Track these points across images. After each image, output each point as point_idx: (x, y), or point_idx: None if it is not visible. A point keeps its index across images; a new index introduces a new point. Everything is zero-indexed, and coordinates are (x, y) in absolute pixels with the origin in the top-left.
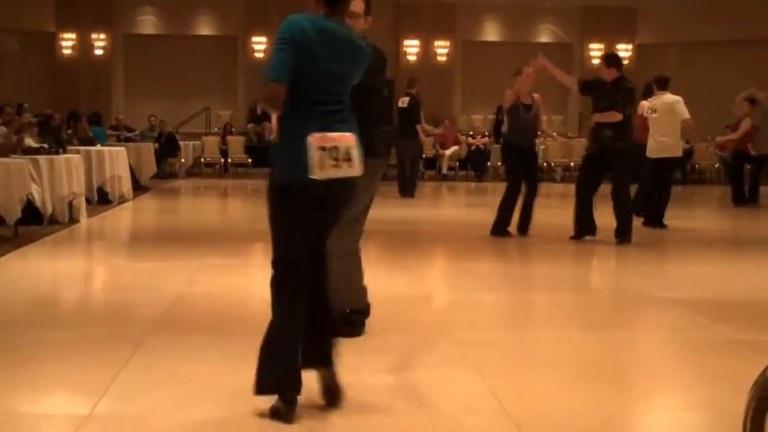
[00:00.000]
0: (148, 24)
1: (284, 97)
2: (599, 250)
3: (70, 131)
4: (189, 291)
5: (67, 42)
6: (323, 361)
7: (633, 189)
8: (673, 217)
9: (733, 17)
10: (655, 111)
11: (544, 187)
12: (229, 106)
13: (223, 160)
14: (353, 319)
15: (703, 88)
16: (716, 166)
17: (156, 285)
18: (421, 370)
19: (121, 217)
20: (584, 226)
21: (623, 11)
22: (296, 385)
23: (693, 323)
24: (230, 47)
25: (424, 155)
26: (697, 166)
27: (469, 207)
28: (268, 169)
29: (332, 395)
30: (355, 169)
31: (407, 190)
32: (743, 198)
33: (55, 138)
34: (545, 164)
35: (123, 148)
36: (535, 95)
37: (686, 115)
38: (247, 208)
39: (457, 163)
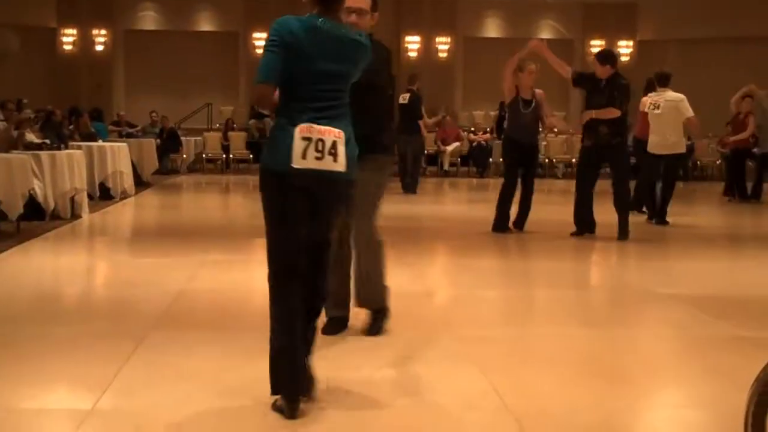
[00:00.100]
0: (148, 20)
1: (275, 96)
2: (600, 246)
3: (71, 127)
4: (191, 287)
5: (68, 38)
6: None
7: (632, 185)
8: (674, 213)
9: (733, 14)
10: (657, 107)
11: (545, 184)
12: (230, 102)
13: (224, 155)
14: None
15: (704, 84)
16: (718, 162)
17: (158, 281)
18: (423, 366)
19: (123, 213)
20: (584, 224)
21: (624, 7)
22: (299, 386)
23: (694, 320)
24: (231, 43)
25: (425, 151)
26: (698, 162)
27: (471, 203)
28: None
29: (308, 384)
30: (339, 164)
31: (409, 186)
32: (745, 194)
33: (57, 134)
34: (547, 160)
35: (125, 144)
36: (537, 91)
37: (690, 113)
38: (248, 203)
39: (459, 160)
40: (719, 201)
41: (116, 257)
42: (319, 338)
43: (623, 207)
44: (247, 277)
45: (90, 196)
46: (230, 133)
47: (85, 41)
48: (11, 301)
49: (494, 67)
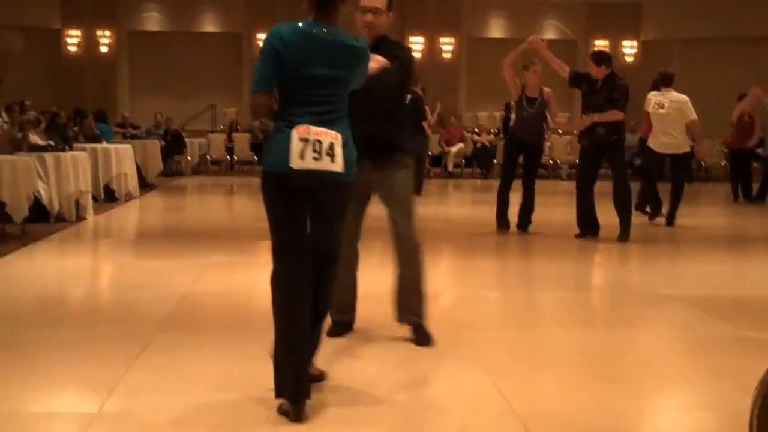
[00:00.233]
0: (152, 21)
1: (271, 103)
2: (604, 247)
3: (76, 128)
4: (196, 289)
5: (72, 39)
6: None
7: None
8: (678, 214)
9: (738, 14)
10: (662, 107)
11: (549, 185)
12: (234, 103)
13: (229, 157)
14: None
15: (709, 84)
16: (723, 163)
17: (163, 283)
18: (427, 367)
19: (128, 215)
20: (587, 226)
21: (628, 7)
22: (303, 389)
23: (698, 321)
24: (235, 44)
25: (429, 152)
26: (703, 163)
27: (475, 204)
28: None
29: (311, 385)
30: (336, 165)
31: (413, 187)
32: (750, 195)
33: (62, 135)
34: (551, 161)
35: (129, 146)
36: (546, 89)
37: (694, 116)
38: (253, 205)
39: (463, 161)
40: (724, 202)
41: (121, 259)
42: (324, 340)
43: (624, 207)
44: (251, 279)
45: (95, 198)
46: (234, 135)
47: (89, 42)
48: (16, 303)
49: (498, 67)
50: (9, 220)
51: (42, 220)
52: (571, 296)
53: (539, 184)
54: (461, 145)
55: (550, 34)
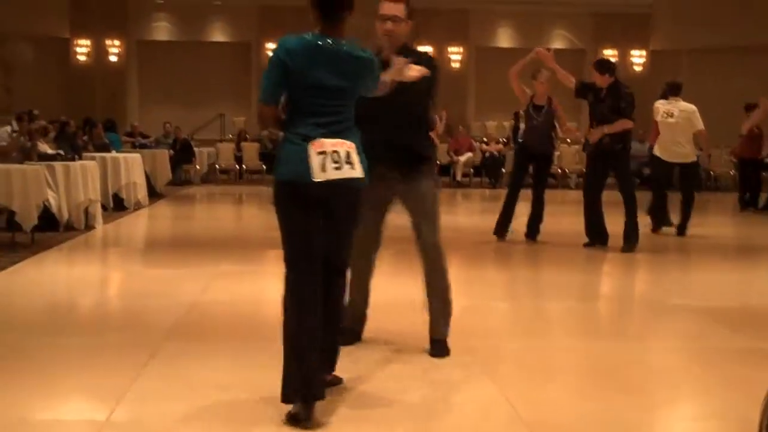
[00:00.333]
0: (162, 30)
1: (277, 113)
2: (613, 257)
3: (85, 138)
4: (204, 298)
5: (82, 48)
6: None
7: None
8: (689, 224)
9: (746, 24)
10: (671, 116)
11: (558, 194)
12: (243, 113)
13: (237, 166)
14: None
15: (717, 94)
16: (732, 173)
17: (171, 292)
18: (436, 376)
19: (137, 224)
20: (596, 235)
21: (636, 17)
22: (314, 387)
23: (708, 331)
24: (244, 53)
25: (438, 162)
26: (712, 172)
27: (484, 214)
28: None
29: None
30: (357, 171)
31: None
32: (755, 204)
33: (71, 144)
34: (559, 170)
35: (138, 155)
36: (554, 99)
37: (701, 126)
38: (261, 215)
39: (472, 170)
40: (733, 212)
41: (130, 268)
42: None
43: (628, 216)
44: (260, 288)
45: (104, 207)
46: (243, 144)
47: (98, 52)
48: (25, 311)
49: (507, 77)
50: (18, 228)
51: (51, 229)
52: (579, 306)
53: (548, 194)
54: (470, 154)
55: (558, 44)
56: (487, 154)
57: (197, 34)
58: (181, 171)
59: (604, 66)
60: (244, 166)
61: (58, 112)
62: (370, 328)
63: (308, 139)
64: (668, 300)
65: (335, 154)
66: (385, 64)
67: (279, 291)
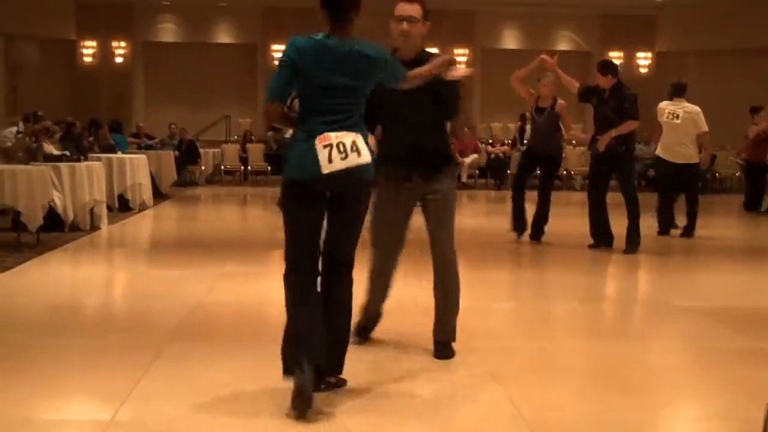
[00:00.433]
0: (167, 32)
1: (284, 111)
2: (617, 258)
3: (91, 139)
4: (209, 299)
5: (88, 50)
6: (329, 370)
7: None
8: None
9: (752, 26)
10: (677, 117)
11: (563, 196)
12: (248, 114)
13: (242, 167)
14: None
15: (723, 95)
16: (737, 174)
17: (176, 292)
18: (439, 376)
19: (142, 225)
20: (601, 237)
21: (642, 19)
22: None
23: (711, 332)
24: (249, 55)
25: None
26: (717, 174)
27: (488, 215)
28: None
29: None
30: (364, 156)
31: None
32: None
33: (77, 145)
34: (564, 172)
35: (144, 156)
36: (560, 102)
37: (705, 127)
38: (266, 216)
39: (477, 172)
40: (738, 213)
41: (135, 269)
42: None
43: (630, 218)
44: (265, 289)
45: (109, 208)
46: (248, 145)
47: (104, 53)
48: (30, 311)
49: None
50: (24, 229)
51: (56, 230)
52: (583, 307)
53: (553, 195)
54: (475, 156)
55: (564, 46)
56: (493, 156)
57: (203, 36)
58: (186, 172)
59: (607, 67)
60: (249, 167)
61: (64, 113)
62: (375, 329)
63: (314, 135)
64: (671, 301)
65: (341, 144)
66: (407, 65)
67: (283, 292)
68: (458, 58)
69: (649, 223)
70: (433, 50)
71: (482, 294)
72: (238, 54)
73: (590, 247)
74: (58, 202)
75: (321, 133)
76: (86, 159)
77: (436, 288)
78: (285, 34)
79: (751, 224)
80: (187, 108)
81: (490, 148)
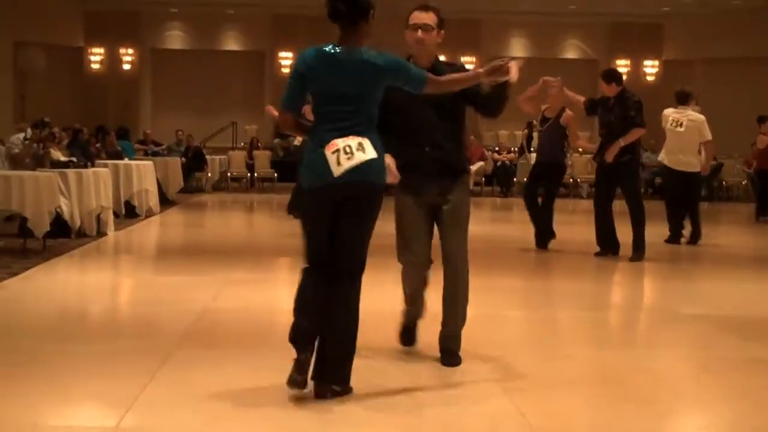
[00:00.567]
0: (175, 39)
1: (296, 121)
2: (624, 266)
3: (98, 145)
4: (215, 305)
5: (96, 57)
6: (322, 377)
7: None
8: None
9: (760, 34)
10: (681, 125)
11: (569, 203)
12: (255, 121)
13: (249, 174)
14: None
15: (730, 104)
16: (744, 183)
17: (183, 299)
18: (447, 384)
19: (148, 231)
20: (607, 244)
21: (650, 27)
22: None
23: (718, 341)
24: (257, 62)
25: None
26: (724, 182)
27: (495, 223)
28: (294, 183)
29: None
30: (368, 152)
31: None
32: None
33: (84, 152)
34: (571, 180)
35: (150, 162)
36: (567, 112)
37: (709, 136)
38: (273, 222)
39: (483, 179)
40: (745, 221)
41: (141, 275)
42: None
43: (635, 226)
44: (271, 296)
45: (116, 214)
46: (255, 152)
47: (112, 60)
48: (37, 317)
49: (520, 86)
50: (30, 235)
51: (63, 236)
52: (590, 315)
53: (559, 203)
54: (481, 163)
55: (571, 54)
56: (499, 163)
57: (210, 43)
58: (193, 179)
59: (611, 76)
60: (255, 174)
61: (72, 120)
62: (379, 337)
63: (324, 143)
64: (678, 309)
65: (347, 147)
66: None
67: (290, 299)
68: (465, 66)
69: (655, 231)
70: (441, 58)
71: (489, 302)
72: (246, 61)
73: (596, 254)
74: (64, 208)
75: (329, 140)
76: (93, 165)
77: (445, 296)
78: (293, 41)
79: (758, 232)
80: (194, 115)
81: (496, 155)
